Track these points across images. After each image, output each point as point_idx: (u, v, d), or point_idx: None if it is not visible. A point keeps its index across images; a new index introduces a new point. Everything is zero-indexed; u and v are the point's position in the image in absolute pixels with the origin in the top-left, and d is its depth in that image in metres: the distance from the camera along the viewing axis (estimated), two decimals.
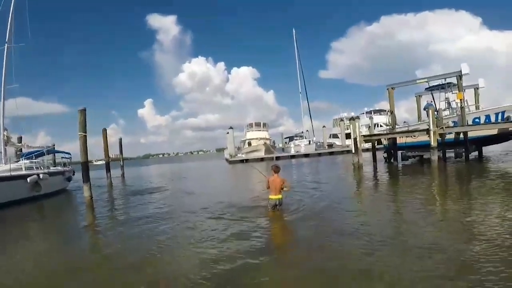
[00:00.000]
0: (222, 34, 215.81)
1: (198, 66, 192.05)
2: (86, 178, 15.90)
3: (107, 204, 15.54)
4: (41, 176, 19.06)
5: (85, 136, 15.74)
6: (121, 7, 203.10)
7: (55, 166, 24.68)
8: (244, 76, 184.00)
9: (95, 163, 67.02)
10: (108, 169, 29.48)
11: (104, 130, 30.05)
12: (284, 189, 9.12)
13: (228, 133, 53.75)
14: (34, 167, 20.26)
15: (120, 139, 38.71)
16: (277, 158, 45.99)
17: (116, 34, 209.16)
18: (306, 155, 46.23)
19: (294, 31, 61.85)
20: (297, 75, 60.27)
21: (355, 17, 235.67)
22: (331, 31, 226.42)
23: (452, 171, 18.04)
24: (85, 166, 16.12)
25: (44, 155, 23.39)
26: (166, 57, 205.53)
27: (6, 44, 21.20)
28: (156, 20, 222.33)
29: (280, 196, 9.07)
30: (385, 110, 54.46)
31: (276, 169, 9.13)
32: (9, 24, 21.38)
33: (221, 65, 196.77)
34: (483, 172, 16.54)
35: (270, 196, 9.12)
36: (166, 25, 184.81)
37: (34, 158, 21.59)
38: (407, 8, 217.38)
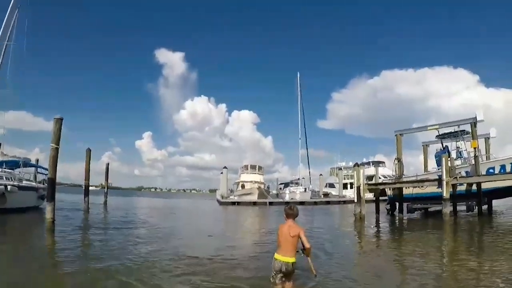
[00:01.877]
0: (227, 75, 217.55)
1: (200, 104, 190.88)
2: (51, 197, 13.89)
3: (68, 232, 12.87)
4: (8, 188, 17.40)
5: (57, 148, 13.88)
6: (131, 38, 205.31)
7: (32, 181, 23.22)
8: (244, 120, 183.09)
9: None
10: (86, 193, 26.27)
11: (88, 150, 27.46)
12: (304, 247, 5.31)
13: (222, 173, 51.52)
14: (4, 177, 18.51)
15: (107, 165, 36.43)
16: (271, 203, 43.68)
17: (124, 64, 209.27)
18: (301, 203, 43.71)
19: (298, 74, 60.55)
20: (298, 120, 58.41)
21: (357, 70, 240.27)
22: (332, 82, 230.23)
23: (470, 228, 15.94)
24: (52, 183, 14.17)
25: (20, 166, 21.99)
26: (169, 92, 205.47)
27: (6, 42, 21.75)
28: (163, 55, 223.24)
29: (292, 259, 5.20)
30: (383, 162, 52.91)
31: (290, 212, 5.50)
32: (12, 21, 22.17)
33: (223, 106, 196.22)
34: (496, 226, 14.52)
35: (276, 256, 5.31)
36: (173, 60, 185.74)
37: (5, 167, 19.90)
38: (407, 64, 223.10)
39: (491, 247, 10.46)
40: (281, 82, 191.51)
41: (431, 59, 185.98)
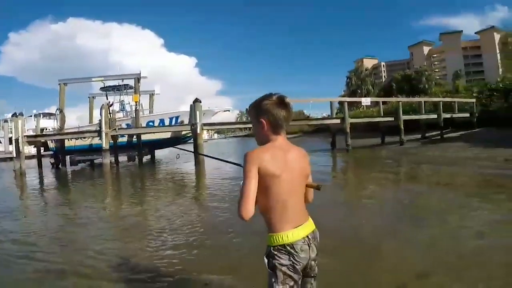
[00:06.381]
0: None
1: None
2: None
3: None
4: None
5: None
6: None
7: None
8: None
9: None
10: None
11: None
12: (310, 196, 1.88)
13: None
14: None
15: None
16: None
17: None
18: None
19: None
20: None
21: (42, 10, 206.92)
22: (13, 21, 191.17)
23: (125, 174, 16.79)
24: None
25: None
26: None
27: None
28: None
29: (312, 226, 1.77)
30: (56, 114, 49.29)
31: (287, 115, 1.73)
32: None
33: None
34: (155, 173, 16.19)
35: (287, 231, 1.63)
36: None
37: None
38: (96, 15, 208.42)
39: (150, 190, 11.33)
40: None
41: (120, 15, 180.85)
